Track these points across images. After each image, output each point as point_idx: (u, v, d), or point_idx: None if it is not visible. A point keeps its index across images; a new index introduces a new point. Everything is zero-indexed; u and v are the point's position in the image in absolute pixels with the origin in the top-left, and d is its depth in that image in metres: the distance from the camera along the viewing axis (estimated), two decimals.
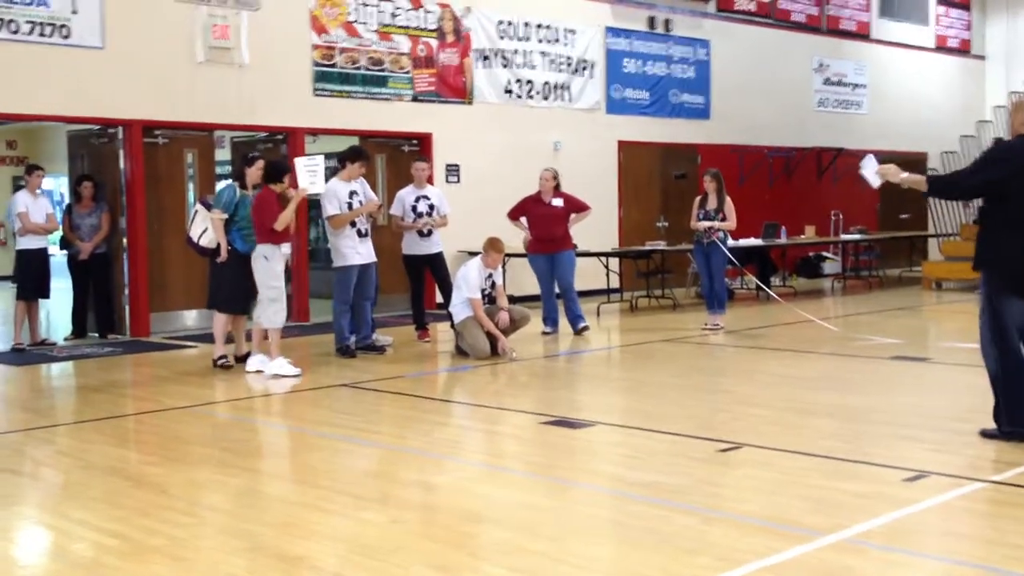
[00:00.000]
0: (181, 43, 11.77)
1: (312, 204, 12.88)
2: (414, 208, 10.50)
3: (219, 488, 5.45)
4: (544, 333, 11.09)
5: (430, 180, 10.96)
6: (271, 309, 8.85)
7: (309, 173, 8.95)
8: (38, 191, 10.93)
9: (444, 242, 10.77)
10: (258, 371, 8.86)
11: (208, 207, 9.25)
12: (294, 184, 9.08)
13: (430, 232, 10.53)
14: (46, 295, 11.07)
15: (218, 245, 9.09)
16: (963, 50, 22.74)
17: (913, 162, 21.08)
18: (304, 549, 4.31)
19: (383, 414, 7.56)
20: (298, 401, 7.97)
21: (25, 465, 6.14)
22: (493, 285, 9.83)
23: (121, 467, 5.93)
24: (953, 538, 4.41)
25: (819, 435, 6.19)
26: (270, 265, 8.83)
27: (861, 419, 6.69)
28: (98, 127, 11.84)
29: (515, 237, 11.29)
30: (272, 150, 12.54)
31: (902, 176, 5.98)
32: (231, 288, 9.15)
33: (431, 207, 10.48)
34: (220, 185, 10.24)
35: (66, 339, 11.35)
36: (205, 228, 9.15)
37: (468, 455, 6.31)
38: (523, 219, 11.22)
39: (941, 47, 22.19)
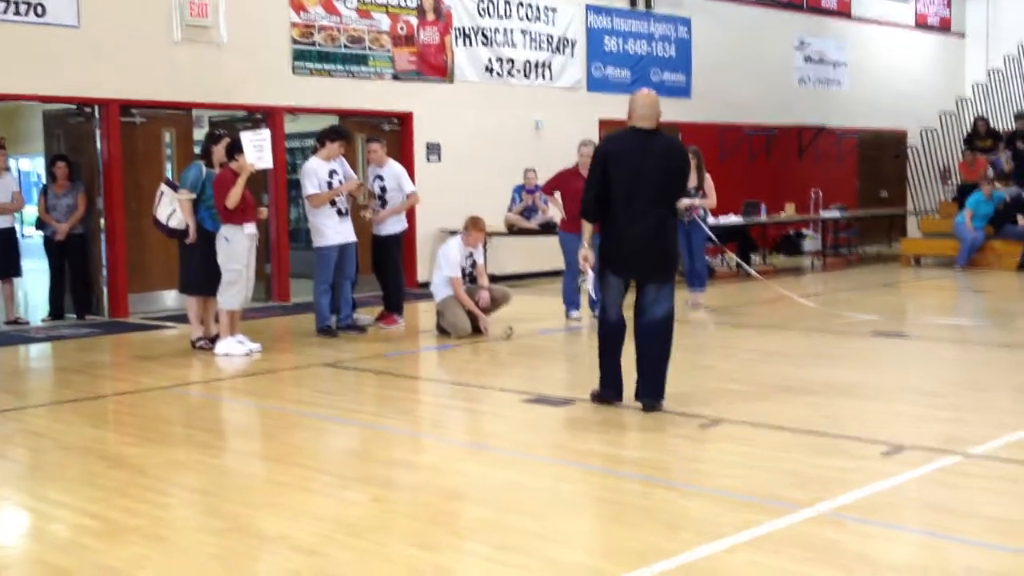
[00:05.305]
0: (158, 21, 11.65)
1: (293, 183, 12.83)
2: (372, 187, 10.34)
3: (199, 468, 5.43)
4: (575, 318, 10.50)
5: (404, 158, 10.64)
6: (229, 292, 8.77)
7: (255, 148, 8.75)
8: (4, 170, 10.84)
9: (425, 220, 10.66)
10: (227, 354, 8.81)
11: (174, 188, 9.16)
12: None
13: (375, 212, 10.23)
14: (15, 274, 11.00)
15: (188, 226, 9.00)
16: (943, 27, 22.79)
17: (893, 140, 21.18)
18: (285, 528, 4.30)
19: (365, 393, 7.56)
20: (279, 381, 7.95)
21: (0, 446, 6.10)
22: (474, 264, 9.81)
23: (99, 448, 5.90)
24: (930, 511, 4.44)
25: (799, 410, 6.22)
26: (231, 247, 8.70)
27: (840, 394, 6.72)
28: (74, 106, 11.72)
29: (497, 216, 11.21)
30: (251, 130, 12.40)
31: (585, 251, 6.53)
32: (201, 271, 8.99)
33: (383, 189, 10.31)
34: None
35: (43, 320, 11.27)
36: (173, 209, 9.02)
37: (450, 434, 6.31)
38: (556, 195, 10.95)
39: (921, 24, 22.23)
